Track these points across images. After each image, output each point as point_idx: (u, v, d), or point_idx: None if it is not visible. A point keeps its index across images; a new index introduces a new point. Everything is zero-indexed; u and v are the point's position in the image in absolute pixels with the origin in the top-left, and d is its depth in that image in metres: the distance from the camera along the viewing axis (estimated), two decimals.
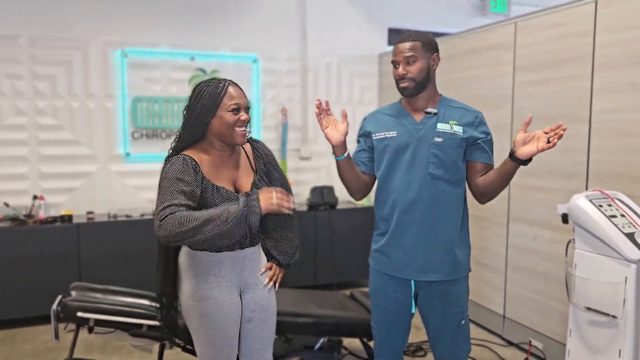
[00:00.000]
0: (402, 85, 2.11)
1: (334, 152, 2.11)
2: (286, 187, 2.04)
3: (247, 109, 1.92)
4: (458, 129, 2.11)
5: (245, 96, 1.94)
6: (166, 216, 1.66)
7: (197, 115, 1.86)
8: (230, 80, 1.92)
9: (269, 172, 2.06)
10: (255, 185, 1.95)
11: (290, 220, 2.11)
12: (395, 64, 2.13)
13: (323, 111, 2.08)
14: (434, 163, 2.10)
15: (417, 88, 2.11)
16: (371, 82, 5.20)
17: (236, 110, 1.87)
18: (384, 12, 5.23)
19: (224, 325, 1.91)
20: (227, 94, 1.87)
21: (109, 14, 4.33)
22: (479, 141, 2.13)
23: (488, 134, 2.17)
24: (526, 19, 3.35)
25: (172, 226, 1.64)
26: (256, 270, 2.02)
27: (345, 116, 2.10)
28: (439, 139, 2.10)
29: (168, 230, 1.65)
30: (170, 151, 1.92)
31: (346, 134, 2.06)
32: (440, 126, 2.12)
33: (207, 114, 1.85)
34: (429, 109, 2.14)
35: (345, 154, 2.11)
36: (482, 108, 2.25)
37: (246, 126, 1.91)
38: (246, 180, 1.96)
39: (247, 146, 2.05)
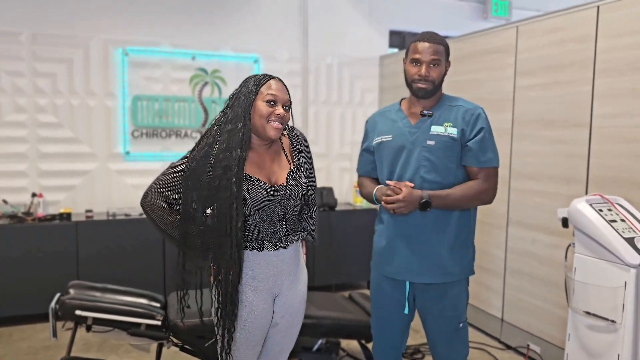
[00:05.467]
0: (421, 86, 2.09)
1: (376, 200, 2.18)
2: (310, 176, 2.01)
3: (288, 107, 1.86)
4: (452, 131, 2.08)
5: (288, 94, 1.88)
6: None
7: (242, 105, 1.82)
8: (277, 77, 1.89)
9: (306, 158, 1.99)
10: (291, 177, 1.88)
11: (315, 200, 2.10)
12: (417, 62, 2.09)
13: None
14: (425, 167, 2.09)
15: (432, 91, 2.11)
16: (372, 84, 5.20)
17: (272, 102, 1.82)
18: (385, 14, 5.23)
19: (252, 328, 1.87)
20: (267, 84, 1.84)
21: (110, 13, 4.33)
22: (469, 144, 2.09)
23: (482, 130, 2.10)
24: (527, 23, 3.35)
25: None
26: (293, 274, 1.94)
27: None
28: (431, 142, 2.08)
29: None
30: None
31: None
32: (434, 129, 2.10)
33: (249, 104, 1.81)
34: (425, 111, 2.12)
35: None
36: None
37: (282, 123, 1.84)
38: (282, 174, 1.90)
39: (285, 139, 1.98)
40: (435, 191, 2.06)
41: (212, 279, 1.88)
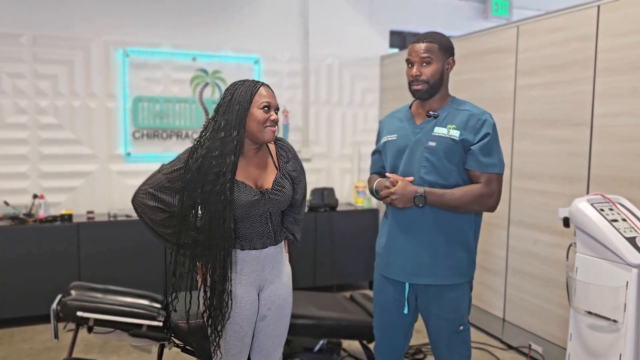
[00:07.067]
0: (414, 87, 2.10)
1: (376, 192, 2.25)
2: (301, 184, 2.11)
3: (277, 110, 1.99)
4: (454, 133, 2.07)
5: (276, 98, 2.00)
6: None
7: (236, 113, 1.90)
8: (264, 83, 1.99)
9: (294, 167, 2.09)
10: (277, 183, 1.99)
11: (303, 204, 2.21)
12: (409, 62, 2.12)
13: None
14: (425, 167, 2.08)
15: (429, 91, 2.10)
16: (373, 84, 5.20)
17: (267, 108, 1.93)
18: (385, 14, 5.23)
19: (238, 320, 1.97)
20: (259, 92, 1.94)
21: (110, 14, 4.33)
22: (472, 147, 2.06)
23: (488, 136, 2.07)
24: (528, 23, 3.35)
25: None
26: (276, 268, 2.05)
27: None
28: (433, 143, 2.08)
29: None
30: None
31: None
32: (437, 130, 2.09)
33: (244, 112, 1.90)
34: (431, 112, 2.13)
35: None
36: None
37: (275, 126, 1.97)
38: (268, 179, 2.01)
39: (272, 145, 2.09)
40: (432, 188, 2.06)
41: (200, 279, 1.98)
